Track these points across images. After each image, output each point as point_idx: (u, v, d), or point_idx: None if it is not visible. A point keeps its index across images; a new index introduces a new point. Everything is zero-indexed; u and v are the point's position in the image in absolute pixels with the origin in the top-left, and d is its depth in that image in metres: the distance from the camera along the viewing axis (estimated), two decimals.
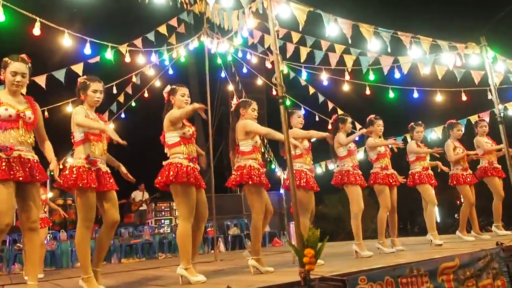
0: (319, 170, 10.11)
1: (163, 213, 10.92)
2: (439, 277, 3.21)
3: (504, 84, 6.32)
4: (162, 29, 7.36)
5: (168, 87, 3.59)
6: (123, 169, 3.43)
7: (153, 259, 8.80)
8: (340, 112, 7.93)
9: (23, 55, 3.01)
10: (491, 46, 5.37)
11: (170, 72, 8.48)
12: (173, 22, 7.55)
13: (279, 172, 11.22)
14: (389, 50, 5.10)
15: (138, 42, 7.00)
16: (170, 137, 3.43)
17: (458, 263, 3.35)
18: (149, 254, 9.16)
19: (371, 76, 6.79)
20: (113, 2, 9.58)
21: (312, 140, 4.58)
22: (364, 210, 4.52)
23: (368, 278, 2.85)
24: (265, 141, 8.91)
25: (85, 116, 3.15)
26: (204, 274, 3.54)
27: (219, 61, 8.94)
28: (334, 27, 4.51)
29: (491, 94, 5.41)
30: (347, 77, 7.26)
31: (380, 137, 5.11)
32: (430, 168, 5.30)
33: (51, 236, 8.63)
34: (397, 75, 6.43)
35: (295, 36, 6.33)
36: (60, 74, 6.07)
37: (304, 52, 6.62)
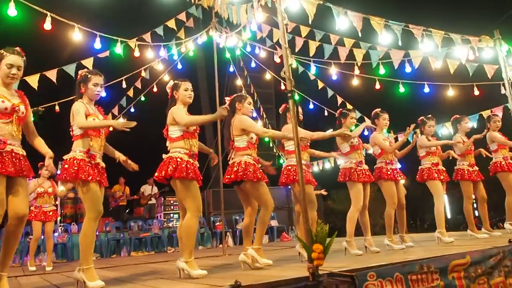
0: (328, 165, 10.06)
1: (172, 207, 10.96)
2: (450, 274, 3.17)
3: None
4: (171, 23, 7.35)
5: (171, 82, 3.57)
6: (123, 157, 3.42)
7: (162, 252, 8.87)
8: (349, 106, 7.87)
9: (18, 48, 3.02)
10: (505, 39, 5.27)
11: (179, 66, 8.50)
12: (182, 16, 7.54)
13: None
14: (399, 43, 5.03)
15: (147, 36, 7.02)
16: (173, 131, 3.42)
17: (469, 260, 3.30)
18: (158, 248, 9.24)
19: (381, 70, 6.71)
20: None
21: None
22: (373, 205, 4.50)
23: (378, 274, 2.82)
24: None
25: (85, 113, 3.15)
26: (212, 268, 3.56)
27: (227, 55, 8.92)
28: (344, 20, 4.46)
29: (505, 89, 5.31)
30: (356, 71, 7.19)
31: (389, 131, 5.05)
32: (442, 163, 5.22)
33: (62, 228, 8.77)
34: (408, 69, 6.34)
35: (304, 30, 6.27)
36: (70, 69, 6.12)
37: (313, 46, 6.56)
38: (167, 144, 3.48)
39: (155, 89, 8.50)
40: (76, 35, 5.55)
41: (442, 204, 4.98)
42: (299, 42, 6.61)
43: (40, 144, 3.16)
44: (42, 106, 6.70)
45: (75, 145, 3.18)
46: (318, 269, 2.68)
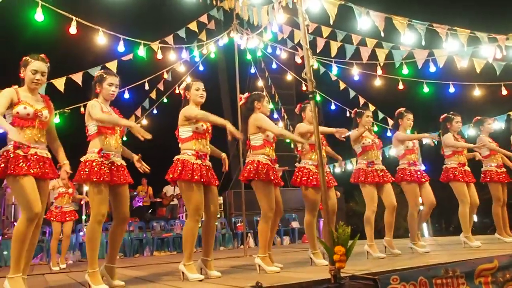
0: (350, 166, 9.93)
1: None
2: (477, 279, 3.08)
3: None
4: (193, 26, 7.43)
5: (184, 84, 3.62)
6: (136, 157, 3.39)
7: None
8: (371, 107, 7.77)
9: (43, 55, 3.10)
10: None
11: (201, 68, 8.60)
12: (203, 18, 7.61)
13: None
14: (423, 43, 4.93)
15: (169, 39, 7.12)
16: (184, 131, 3.44)
17: (497, 265, 3.20)
18: (180, 248, 9.31)
19: (405, 70, 6.59)
20: (145, 0, 9.77)
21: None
22: (396, 207, 4.41)
23: (401, 278, 2.77)
24: None
25: (101, 110, 3.14)
26: (233, 269, 3.55)
27: (248, 56, 8.94)
28: (366, 20, 4.41)
29: None
30: (379, 71, 7.09)
31: (415, 132, 4.94)
32: (467, 164, 5.02)
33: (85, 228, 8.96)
34: (432, 68, 6.22)
35: (326, 31, 6.22)
36: (95, 72, 6.25)
37: (334, 46, 6.51)
38: (179, 145, 3.49)
39: (177, 91, 8.59)
40: (101, 38, 5.67)
41: (467, 208, 4.76)
42: (320, 43, 6.57)
43: (58, 150, 3.20)
44: (68, 108, 6.91)
45: (91, 145, 3.17)
46: (340, 271, 2.65)
